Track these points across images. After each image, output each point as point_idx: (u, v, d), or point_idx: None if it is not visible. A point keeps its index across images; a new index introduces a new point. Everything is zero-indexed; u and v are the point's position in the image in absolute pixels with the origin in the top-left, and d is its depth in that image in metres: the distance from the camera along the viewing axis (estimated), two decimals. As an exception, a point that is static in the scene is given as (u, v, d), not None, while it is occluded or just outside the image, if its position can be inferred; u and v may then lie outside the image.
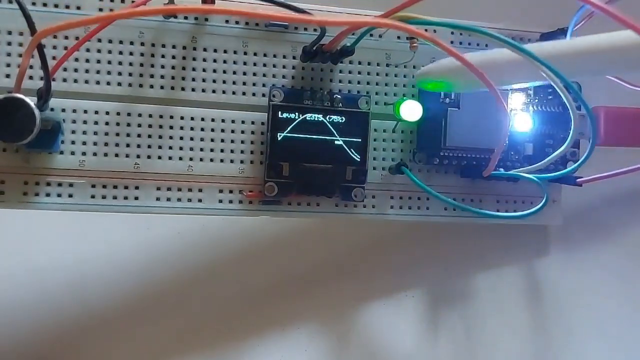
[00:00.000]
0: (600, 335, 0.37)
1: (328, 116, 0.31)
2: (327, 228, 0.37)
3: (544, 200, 0.29)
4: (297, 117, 0.31)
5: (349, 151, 0.31)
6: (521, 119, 0.34)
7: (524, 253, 0.38)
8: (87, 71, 0.29)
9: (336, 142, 0.31)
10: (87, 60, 0.29)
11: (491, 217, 0.31)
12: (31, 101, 0.24)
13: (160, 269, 0.35)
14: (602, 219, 0.39)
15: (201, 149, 0.31)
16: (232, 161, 0.31)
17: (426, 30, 0.32)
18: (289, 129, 0.31)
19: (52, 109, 0.29)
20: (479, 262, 0.37)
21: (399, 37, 0.33)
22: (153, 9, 0.17)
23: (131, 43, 0.30)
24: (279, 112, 0.31)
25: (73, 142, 0.29)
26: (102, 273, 0.34)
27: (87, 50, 0.29)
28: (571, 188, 0.35)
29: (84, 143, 0.29)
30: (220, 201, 0.31)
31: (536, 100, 0.34)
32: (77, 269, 0.34)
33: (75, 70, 0.29)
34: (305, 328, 0.35)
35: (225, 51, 0.31)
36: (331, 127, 0.31)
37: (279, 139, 0.31)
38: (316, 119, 0.31)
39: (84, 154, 0.29)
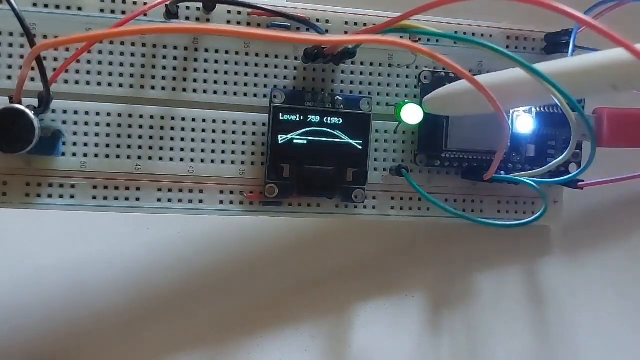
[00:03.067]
0: (601, 336, 0.37)
1: (329, 118, 0.31)
2: (328, 229, 0.37)
3: (542, 208, 0.29)
4: (298, 119, 0.31)
5: (350, 152, 0.31)
6: (523, 120, 0.33)
7: (525, 254, 0.38)
8: (88, 72, 0.29)
9: (337, 143, 0.31)
10: (89, 62, 0.29)
11: (490, 225, 0.31)
12: (30, 111, 0.24)
13: (161, 269, 0.35)
14: (604, 221, 0.39)
15: (202, 150, 0.31)
16: (232, 162, 0.31)
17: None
18: (289, 130, 0.31)
19: (53, 111, 0.29)
20: (480, 263, 0.37)
21: (401, 37, 0.33)
22: (148, 28, 0.17)
23: (132, 44, 0.30)
24: (280, 114, 0.31)
25: (74, 144, 0.29)
26: (102, 273, 0.34)
27: (89, 51, 0.29)
28: (573, 189, 0.35)
29: (86, 145, 0.29)
30: (221, 202, 0.31)
31: (539, 102, 0.34)
32: (78, 269, 0.34)
33: (77, 71, 0.29)
34: (305, 328, 0.35)
35: (226, 52, 0.31)
36: (332, 129, 0.31)
37: (280, 140, 0.31)
38: (317, 120, 0.31)
39: (85, 155, 0.29)
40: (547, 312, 0.37)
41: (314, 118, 0.31)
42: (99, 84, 0.30)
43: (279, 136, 0.31)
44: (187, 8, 0.30)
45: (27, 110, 0.24)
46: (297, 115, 0.31)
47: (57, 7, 0.29)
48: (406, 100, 0.33)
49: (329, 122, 0.31)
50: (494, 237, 0.37)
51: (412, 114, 0.31)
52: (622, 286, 0.38)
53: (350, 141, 0.31)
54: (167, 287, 0.35)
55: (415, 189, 0.32)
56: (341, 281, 0.36)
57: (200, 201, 0.31)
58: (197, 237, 0.35)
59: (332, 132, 0.31)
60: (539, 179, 0.31)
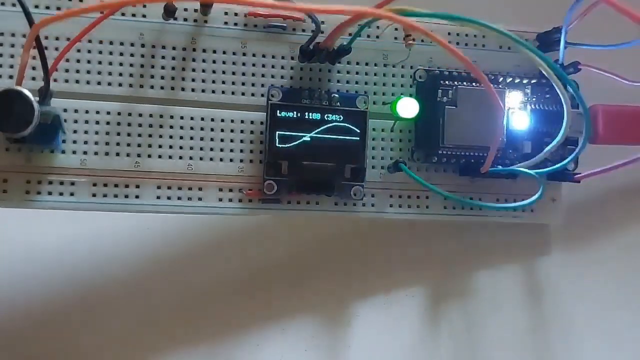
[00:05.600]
0: (600, 334, 0.37)
1: (326, 115, 0.31)
2: (327, 226, 0.37)
3: (539, 192, 0.29)
4: (295, 116, 0.31)
5: (348, 150, 0.31)
6: (519, 117, 0.34)
7: (525, 252, 0.38)
8: (88, 72, 0.30)
9: (335, 141, 0.31)
10: (89, 61, 0.30)
11: (488, 209, 0.31)
12: (31, 93, 0.24)
13: (160, 269, 0.35)
14: (603, 219, 0.39)
15: (201, 148, 0.31)
16: (231, 160, 0.32)
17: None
18: (287, 127, 0.31)
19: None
20: (479, 261, 0.37)
21: (396, 38, 0.34)
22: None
23: (132, 44, 0.30)
24: (278, 112, 0.31)
25: (74, 142, 0.30)
26: (102, 272, 0.34)
27: (89, 51, 0.30)
28: (571, 187, 0.35)
29: (85, 142, 0.30)
30: (220, 200, 0.31)
31: (534, 99, 0.34)
32: (78, 268, 0.34)
33: (77, 71, 0.30)
34: (305, 328, 0.35)
35: (224, 52, 0.31)
36: (329, 126, 0.31)
37: (278, 138, 0.31)
38: (314, 118, 0.31)
39: (85, 153, 0.30)
40: (547, 309, 0.37)
41: (311, 115, 0.31)
42: (98, 83, 0.30)
43: (277, 133, 0.31)
44: (185, 9, 0.31)
45: (27, 92, 0.24)
46: (294, 113, 0.31)
47: (59, 9, 0.30)
48: (402, 96, 0.33)
49: (326, 119, 0.31)
50: (493, 235, 0.37)
51: (407, 108, 0.32)
52: (621, 282, 0.38)
53: (348, 138, 0.31)
54: (167, 286, 0.35)
55: (415, 180, 0.32)
56: (341, 280, 0.36)
57: (199, 199, 0.31)
58: (197, 236, 0.35)
59: (330, 129, 0.31)
60: (536, 170, 0.31)
